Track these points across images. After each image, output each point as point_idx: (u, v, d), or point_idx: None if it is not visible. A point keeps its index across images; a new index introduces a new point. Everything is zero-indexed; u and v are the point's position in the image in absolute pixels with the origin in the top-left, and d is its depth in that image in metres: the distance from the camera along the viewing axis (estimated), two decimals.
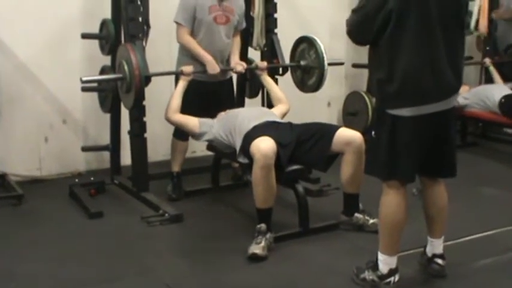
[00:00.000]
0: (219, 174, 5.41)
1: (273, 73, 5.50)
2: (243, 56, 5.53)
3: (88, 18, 5.69)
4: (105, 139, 5.66)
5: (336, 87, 7.20)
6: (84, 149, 5.66)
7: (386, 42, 3.30)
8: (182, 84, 4.91)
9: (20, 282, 3.82)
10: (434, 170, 3.58)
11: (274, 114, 4.84)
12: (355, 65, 6.86)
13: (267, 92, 5.39)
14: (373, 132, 3.51)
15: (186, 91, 4.91)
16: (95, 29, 5.40)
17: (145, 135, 5.05)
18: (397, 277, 3.56)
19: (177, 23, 5.02)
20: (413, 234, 3.81)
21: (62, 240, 4.44)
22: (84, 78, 4.80)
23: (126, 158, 5.50)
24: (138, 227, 4.63)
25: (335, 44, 6.59)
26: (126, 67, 4.70)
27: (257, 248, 4.04)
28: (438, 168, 3.58)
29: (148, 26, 5.13)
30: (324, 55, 5.12)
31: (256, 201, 4.18)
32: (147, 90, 4.87)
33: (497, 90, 6.52)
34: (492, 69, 7.05)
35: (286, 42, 5.53)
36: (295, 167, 4.35)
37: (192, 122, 4.82)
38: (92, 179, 5.49)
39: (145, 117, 5.00)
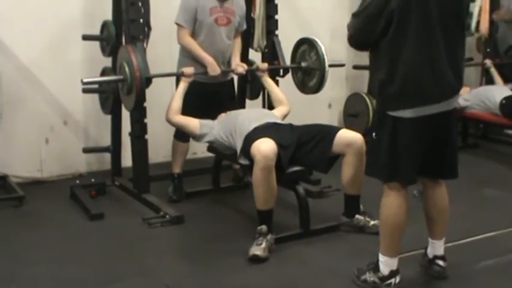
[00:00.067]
0: (220, 175, 5.41)
1: (274, 74, 5.51)
2: (244, 58, 5.53)
3: (89, 19, 5.69)
4: (106, 140, 5.66)
5: (336, 89, 7.21)
6: (85, 150, 5.66)
7: (388, 44, 3.30)
8: (183, 85, 4.92)
9: (20, 283, 3.82)
10: (435, 171, 3.57)
11: (275, 115, 4.84)
12: (355, 67, 6.86)
13: (268, 94, 5.40)
14: (373, 134, 3.50)
15: (187, 92, 4.91)
16: (96, 31, 5.40)
17: (146, 136, 5.05)
18: (398, 278, 3.55)
19: (177, 24, 5.02)
20: (414, 236, 3.81)
21: (62, 241, 4.45)
22: (85, 80, 4.80)
23: (127, 160, 5.50)
24: (138, 228, 4.63)
25: (336, 46, 6.59)
26: (127, 68, 4.70)
27: (258, 249, 4.04)
28: (440, 170, 3.58)
29: (149, 28, 5.14)
30: (325, 57, 5.13)
31: (257, 203, 4.18)
32: (148, 91, 4.87)
33: (498, 91, 6.52)
34: (493, 70, 7.05)
35: (287, 43, 5.54)
36: (295, 168, 4.35)
37: (192, 123, 4.82)
38: (93, 180, 5.50)
39: (146, 118, 5.00)
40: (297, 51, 5.40)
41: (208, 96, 5.09)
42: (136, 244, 4.40)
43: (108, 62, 5.35)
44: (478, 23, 7.01)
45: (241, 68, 5.20)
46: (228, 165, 5.48)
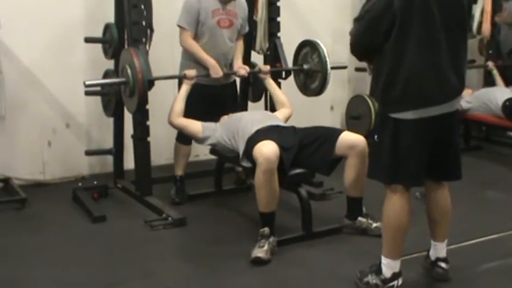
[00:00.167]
0: (222, 178, 5.41)
1: (276, 77, 5.50)
2: (246, 60, 5.53)
3: (91, 22, 5.69)
4: (109, 143, 5.67)
5: (338, 91, 7.20)
6: (88, 153, 5.67)
7: (390, 47, 3.29)
8: (185, 88, 4.92)
9: (23, 286, 3.83)
10: (438, 173, 3.57)
11: (278, 118, 4.84)
12: (358, 69, 6.86)
13: (270, 96, 5.40)
14: (375, 136, 3.50)
15: (190, 95, 4.91)
16: (98, 33, 5.41)
17: (149, 139, 5.05)
18: (400, 281, 3.55)
19: (180, 26, 5.02)
20: (416, 238, 3.80)
21: (65, 244, 4.45)
22: (88, 82, 4.81)
23: (129, 162, 5.50)
24: (141, 231, 4.63)
25: (338, 48, 6.59)
26: (129, 71, 4.71)
27: (260, 251, 4.03)
28: (443, 171, 3.58)
29: (152, 30, 5.15)
30: (327, 59, 5.13)
31: (259, 205, 4.17)
32: (150, 94, 4.88)
33: (500, 93, 6.52)
34: (495, 72, 7.05)
35: (289, 46, 5.54)
36: (298, 170, 4.34)
37: (195, 126, 4.82)
38: (95, 183, 5.49)
39: (149, 121, 5.01)
40: (299, 54, 5.40)
41: (210, 99, 5.09)
42: (138, 246, 4.40)
43: (110, 64, 5.36)
44: (479, 25, 7.01)
45: (244, 70, 5.20)
46: (230, 167, 5.48)
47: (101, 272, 3.99)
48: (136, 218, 4.80)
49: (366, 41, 3.43)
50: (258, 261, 4.00)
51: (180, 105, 4.86)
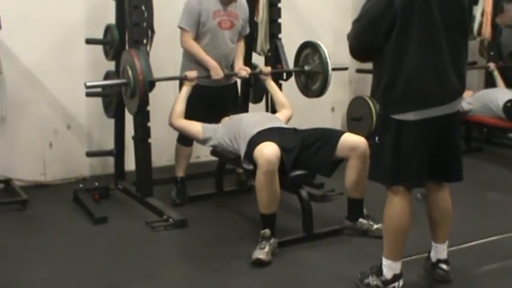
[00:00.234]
0: (223, 179, 5.41)
1: (277, 78, 5.51)
2: (247, 61, 5.54)
3: (92, 23, 5.70)
4: (110, 144, 5.67)
5: (339, 93, 7.20)
6: (89, 154, 5.67)
7: (391, 48, 3.30)
8: (186, 89, 4.92)
9: (23, 287, 3.82)
10: (440, 174, 3.57)
11: (279, 119, 4.84)
12: (359, 70, 6.85)
13: (271, 97, 5.40)
14: (376, 138, 3.50)
15: (191, 96, 4.91)
16: (99, 35, 5.41)
17: (150, 140, 5.05)
18: (401, 282, 3.55)
19: (181, 28, 5.02)
20: (417, 240, 3.80)
21: (66, 245, 4.45)
22: (89, 84, 4.81)
23: (130, 163, 5.51)
24: (142, 232, 4.63)
25: (339, 49, 6.54)
26: (130, 72, 4.70)
27: (261, 253, 4.03)
28: (444, 173, 3.58)
29: (153, 31, 5.15)
30: (328, 60, 5.12)
31: (260, 207, 4.17)
32: (151, 95, 4.88)
33: (501, 94, 6.52)
34: (496, 73, 7.05)
35: (290, 47, 5.54)
36: (299, 172, 4.34)
37: (195, 127, 4.82)
38: (96, 184, 5.49)
39: (150, 122, 5.01)
40: (300, 55, 5.40)
41: (211, 100, 5.09)
42: (139, 248, 4.40)
43: (111, 65, 5.36)
44: (480, 26, 7.01)
45: (245, 71, 5.20)
46: (231, 169, 5.48)
47: (101, 273, 4.00)
48: (137, 220, 4.80)
49: (366, 42, 3.42)
50: (259, 263, 4.00)
51: (180, 106, 4.86)
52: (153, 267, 4.06)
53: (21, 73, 5.60)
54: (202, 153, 6.14)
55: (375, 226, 4.39)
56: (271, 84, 5.27)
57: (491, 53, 7.29)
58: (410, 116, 3.32)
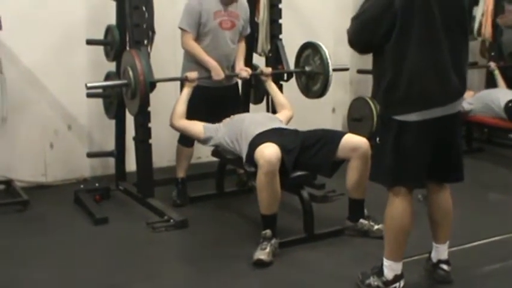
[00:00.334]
0: (224, 180, 5.41)
1: (278, 79, 5.51)
2: (248, 62, 5.54)
3: (93, 24, 5.70)
4: (110, 145, 5.67)
5: (340, 93, 7.20)
6: (89, 155, 5.67)
7: (391, 49, 3.30)
8: (187, 90, 4.92)
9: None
10: (441, 175, 3.57)
11: (280, 119, 4.84)
12: (360, 71, 6.86)
13: (271, 98, 5.40)
14: (377, 139, 3.50)
15: (192, 97, 4.91)
16: (100, 35, 5.41)
17: (150, 141, 5.05)
18: (402, 283, 3.55)
19: (181, 29, 5.02)
20: (418, 240, 3.80)
21: (67, 246, 4.45)
22: (89, 84, 4.80)
23: (131, 164, 5.52)
24: (143, 233, 4.63)
25: (340, 50, 6.57)
26: (131, 73, 4.70)
27: (262, 253, 4.03)
28: (445, 173, 3.57)
29: (153, 32, 5.15)
30: (329, 61, 5.12)
31: (260, 207, 4.17)
32: (152, 96, 4.87)
33: (502, 94, 6.53)
34: (497, 73, 7.05)
35: (291, 48, 5.54)
36: (300, 173, 4.34)
37: (197, 127, 4.82)
38: (97, 185, 5.49)
39: (150, 123, 5.01)
40: (301, 56, 5.39)
41: (212, 100, 5.09)
42: (140, 248, 4.40)
43: (112, 66, 5.36)
44: (480, 26, 7.00)
45: (245, 72, 5.20)
46: (232, 169, 5.47)
47: (102, 274, 4.00)
48: (138, 220, 4.80)
49: (364, 39, 3.43)
50: (260, 263, 4.00)
51: (181, 107, 4.86)
52: (154, 268, 4.06)
53: (22, 73, 5.61)
54: (203, 154, 6.14)
55: (376, 227, 4.39)
56: (271, 85, 5.27)
57: (492, 54, 7.29)
58: (411, 117, 3.32)
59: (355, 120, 6.89)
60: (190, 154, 5.32)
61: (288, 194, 4.46)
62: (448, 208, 3.65)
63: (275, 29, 5.65)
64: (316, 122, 5.45)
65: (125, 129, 5.52)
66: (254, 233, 4.34)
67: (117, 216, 4.94)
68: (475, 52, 7.40)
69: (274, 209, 4.16)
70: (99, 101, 5.57)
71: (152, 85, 4.81)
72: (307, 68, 5.31)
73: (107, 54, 5.43)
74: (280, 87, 5.49)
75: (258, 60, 5.82)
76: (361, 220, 4.48)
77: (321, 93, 5.27)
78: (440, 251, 3.70)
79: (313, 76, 5.29)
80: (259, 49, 5.69)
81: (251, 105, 5.88)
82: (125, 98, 4.98)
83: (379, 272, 3.58)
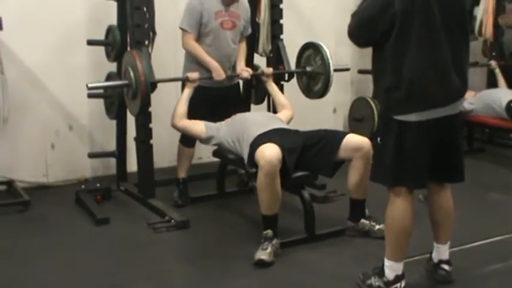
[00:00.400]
0: (225, 180, 5.41)
1: (279, 79, 5.50)
2: (249, 62, 5.54)
3: (94, 24, 5.70)
4: (111, 145, 5.67)
5: (341, 93, 7.20)
6: (91, 155, 5.67)
7: (391, 49, 3.30)
8: (188, 90, 4.92)
9: None
10: (442, 175, 3.56)
11: (281, 119, 4.84)
12: (360, 71, 6.85)
13: (272, 99, 5.40)
14: (378, 139, 3.50)
15: (193, 97, 4.91)
16: (101, 36, 5.41)
17: (151, 141, 5.06)
18: (403, 283, 3.54)
19: (182, 29, 5.02)
20: (419, 240, 3.80)
21: (68, 246, 4.45)
22: (90, 85, 4.80)
23: (132, 165, 5.51)
24: (144, 233, 4.63)
25: (341, 50, 6.59)
26: (132, 73, 4.70)
27: (263, 254, 4.03)
28: (446, 174, 3.57)
29: (154, 33, 5.15)
30: (330, 61, 5.12)
31: (261, 208, 4.17)
32: (153, 96, 4.87)
33: (503, 94, 6.53)
34: (497, 71, 7.05)
35: (292, 48, 5.54)
36: (301, 173, 4.34)
37: (198, 127, 4.81)
38: (98, 185, 5.49)
39: (151, 123, 5.01)
40: (302, 56, 5.39)
41: (213, 101, 5.09)
42: (141, 249, 4.40)
43: (113, 67, 5.36)
44: (480, 26, 7.00)
45: (246, 72, 5.20)
46: (233, 170, 5.48)
47: (103, 274, 4.00)
48: (139, 221, 4.80)
49: (363, 36, 3.44)
50: (261, 264, 4.00)
51: (182, 108, 4.86)
52: (155, 268, 4.06)
53: (23, 74, 5.61)
54: (204, 155, 6.13)
55: (377, 227, 4.39)
56: (272, 86, 5.27)
57: (493, 54, 7.29)
58: (412, 117, 3.32)
59: (356, 121, 6.89)
60: (191, 154, 5.32)
61: (289, 195, 4.47)
62: (449, 208, 3.65)
63: (276, 29, 5.65)
64: (317, 122, 5.45)
65: (126, 129, 5.52)
66: (255, 233, 4.34)
67: (118, 217, 4.94)
68: (476, 52, 7.40)
69: (275, 209, 4.16)
70: (100, 102, 5.57)
71: (153, 85, 4.81)
72: (308, 68, 5.31)
73: (108, 55, 5.43)
74: (281, 88, 5.49)
75: (259, 60, 5.82)
76: (362, 220, 4.48)
77: (322, 93, 5.27)
78: (442, 251, 3.70)
79: (314, 76, 5.29)
80: (260, 49, 5.69)
81: (252, 106, 5.87)
82: (125, 98, 4.98)
83: (380, 272, 3.58)
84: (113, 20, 5.32)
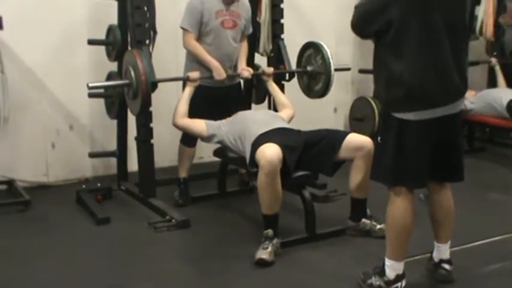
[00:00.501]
0: (226, 180, 5.42)
1: (280, 79, 5.50)
2: (250, 62, 5.54)
3: (95, 24, 5.70)
4: (112, 145, 5.67)
5: (342, 93, 7.20)
6: (91, 155, 5.67)
7: (391, 48, 3.30)
8: (188, 90, 4.92)
9: None
10: (442, 174, 3.56)
11: (282, 118, 4.84)
12: (361, 71, 6.85)
13: (273, 98, 5.40)
14: (379, 138, 3.50)
15: (194, 96, 4.91)
16: (102, 35, 5.41)
17: (152, 141, 5.06)
18: (403, 283, 3.54)
19: (183, 28, 5.02)
20: (420, 240, 3.81)
21: (68, 246, 4.45)
22: (91, 84, 4.80)
23: (133, 164, 5.51)
24: (145, 232, 4.63)
25: (341, 50, 6.59)
26: (132, 73, 4.71)
27: (264, 253, 4.03)
28: (446, 173, 3.57)
29: (155, 32, 5.14)
30: (331, 60, 5.12)
31: (262, 208, 4.17)
32: (154, 96, 4.87)
33: (504, 93, 6.54)
34: (497, 69, 7.05)
35: (292, 48, 5.54)
36: (301, 172, 4.34)
37: (199, 125, 4.81)
38: (99, 185, 5.49)
39: (152, 123, 5.01)
40: (302, 56, 5.39)
41: (214, 100, 5.08)
42: (142, 248, 4.40)
43: (113, 66, 5.36)
44: (481, 25, 6.99)
45: (247, 72, 5.20)
46: (234, 169, 5.48)
47: (104, 274, 4.00)
48: (140, 220, 4.80)
49: (364, 29, 3.45)
50: (262, 263, 4.00)
51: (183, 107, 4.86)
52: (156, 268, 4.06)
53: (24, 73, 5.61)
54: (205, 154, 6.13)
55: (378, 226, 4.39)
56: (272, 85, 5.27)
57: (494, 53, 7.28)
58: (412, 116, 3.32)
59: (357, 120, 6.89)
60: (192, 154, 5.32)
61: (290, 194, 4.47)
62: (449, 207, 3.65)
63: (277, 28, 5.65)
64: (317, 122, 5.44)
65: (127, 129, 5.52)
66: (256, 232, 4.34)
67: (119, 216, 4.94)
68: (476, 51, 7.39)
69: (276, 209, 4.16)
70: (101, 101, 5.57)
71: (154, 85, 4.81)
72: (309, 68, 5.31)
73: (109, 54, 5.44)
74: (282, 87, 5.49)
75: (260, 60, 5.82)
76: (363, 220, 4.47)
77: (323, 93, 5.27)
78: (442, 251, 3.70)
79: (315, 76, 5.29)
80: (261, 49, 5.69)
81: (253, 105, 5.87)
82: (126, 98, 4.98)
83: (381, 272, 3.58)
84: (114, 20, 5.32)
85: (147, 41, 5.04)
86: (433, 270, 3.75)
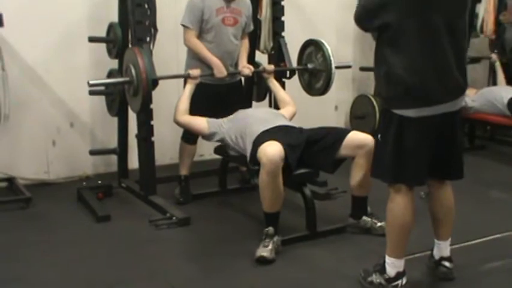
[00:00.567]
0: (227, 177, 5.42)
1: (280, 76, 5.50)
2: (250, 60, 5.53)
3: (95, 21, 5.71)
4: (113, 142, 5.67)
5: (343, 91, 7.20)
6: (92, 152, 5.67)
7: (391, 45, 3.29)
8: (189, 87, 4.92)
9: (27, 285, 3.83)
10: (442, 172, 3.56)
11: (284, 116, 4.84)
12: (362, 68, 6.85)
13: (274, 95, 5.39)
14: (379, 136, 3.50)
15: (195, 94, 4.91)
16: (102, 33, 5.41)
17: (153, 138, 5.05)
18: (404, 280, 3.54)
19: (184, 26, 5.02)
20: (420, 237, 3.80)
21: (69, 243, 4.45)
22: (92, 82, 4.80)
23: (133, 162, 5.51)
24: (145, 230, 4.63)
25: (342, 47, 6.59)
26: (133, 70, 4.71)
27: (265, 251, 4.03)
28: (446, 171, 3.57)
29: (156, 29, 5.14)
30: (332, 58, 5.12)
31: (263, 205, 4.17)
32: (155, 93, 4.87)
33: (505, 91, 6.54)
34: (498, 65, 7.05)
35: (293, 45, 5.54)
36: (302, 170, 4.34)
37: (200, 123, 4.80)
38: (100, 182, 5.50)
39: (153, 120, 5.01)
40: (303, 53, 5.39)
41: (215, 98, 5.08)
42: (142, 246, 4.40)
43: (114, 64, 5.36)
44: (482, 23, 6.98)
45: (248, 70, 5.20)
46: (234, 167, 5.48)
47: (105, 272, 3.99)
48: (140, 218, 4.81)
49: (364, 24, 3.45)
50: (263, 261, 4.00)
51: (184, 104, 4.86)
52: (156, 266, 4.06)
53: (24, 71, 5.61)
54: (206, 152, 6.14)
55: (378, 224, 4.39)
56: (273, 82, 5.28)
57: (495, 51, 7.27)
58: (412, 113, 3.32)
59: (358, 118, 6.90)
60: (193, 151, 5.31)
61: (291, 192, 4.47)
62: (450, 205, 3.65)
63: (277, 26, 5.65)
64: (318, 120, 5.45)
65: (128, 126, 5.52)
66: (257, 230, 4.34)
67: (120, 214, 4.94)
68: (478, 48, 7.38)
69: (277, 207, 4.16)
70: (102, 99, 5.58)
71: (154, 82, 4.81)
72: (309, 66, 5.31)
73: (109, 52, 5.44)
74: (283, 85, 5.49)
75: (261, 57, 5.81)
76: (364, 217, 4.47)
77: (324, 90, 5.27)
78: (443, 248, 3.70)
79: (315, 73, 5.29)
80: (261, 46, 5.69)
81: (253, 103, 5.86)
82: (127, 95, 4.98)
83: (382, 269, 3.58)
84: (114, 17, 5.32)
85: (148, 39, 5.04)
86: (434, 268, 3.75)
